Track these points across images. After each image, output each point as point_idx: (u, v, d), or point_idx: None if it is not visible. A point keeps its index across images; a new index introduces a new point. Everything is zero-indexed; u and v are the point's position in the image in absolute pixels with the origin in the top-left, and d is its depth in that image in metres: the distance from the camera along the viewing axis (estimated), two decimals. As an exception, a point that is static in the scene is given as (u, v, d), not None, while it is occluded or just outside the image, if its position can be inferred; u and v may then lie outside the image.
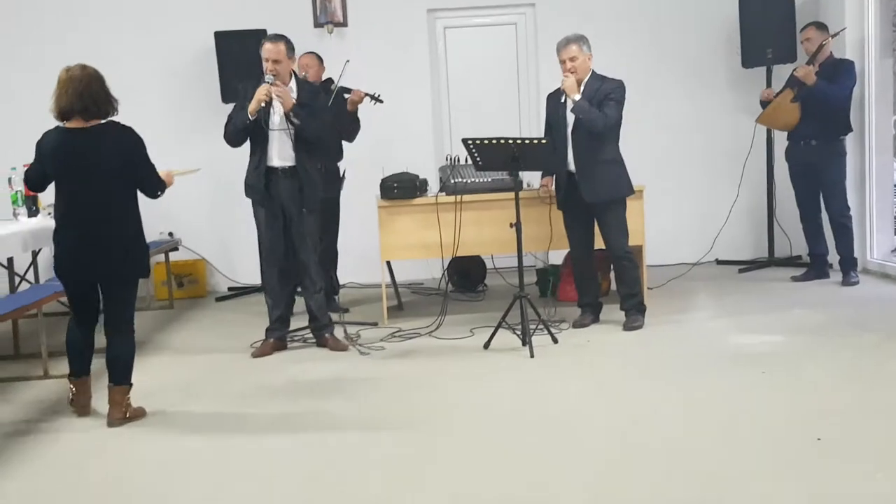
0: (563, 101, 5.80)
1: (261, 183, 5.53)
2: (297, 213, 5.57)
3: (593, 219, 5.90)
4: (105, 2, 7.89)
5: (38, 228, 6.01)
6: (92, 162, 4.33)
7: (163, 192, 4.65)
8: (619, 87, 5.72)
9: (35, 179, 4.57)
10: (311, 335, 5.84)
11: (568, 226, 6.00)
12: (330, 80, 6.44)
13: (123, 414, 4.45)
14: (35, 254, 6.86)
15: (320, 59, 6.72)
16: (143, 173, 4.50)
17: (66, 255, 4.41)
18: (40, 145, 4.45)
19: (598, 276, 6.30)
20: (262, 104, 5.36)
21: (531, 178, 6.62)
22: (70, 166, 4.35)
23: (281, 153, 5.51)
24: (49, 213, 6.36)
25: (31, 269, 6.96)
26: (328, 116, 5.61)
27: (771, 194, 7.91)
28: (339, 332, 5.83)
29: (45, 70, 7.61)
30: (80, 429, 4.43)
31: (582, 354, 5.37)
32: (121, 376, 4.48)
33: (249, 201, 7.72)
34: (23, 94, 7.74)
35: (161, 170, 4.64)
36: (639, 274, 6.02)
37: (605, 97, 5.67)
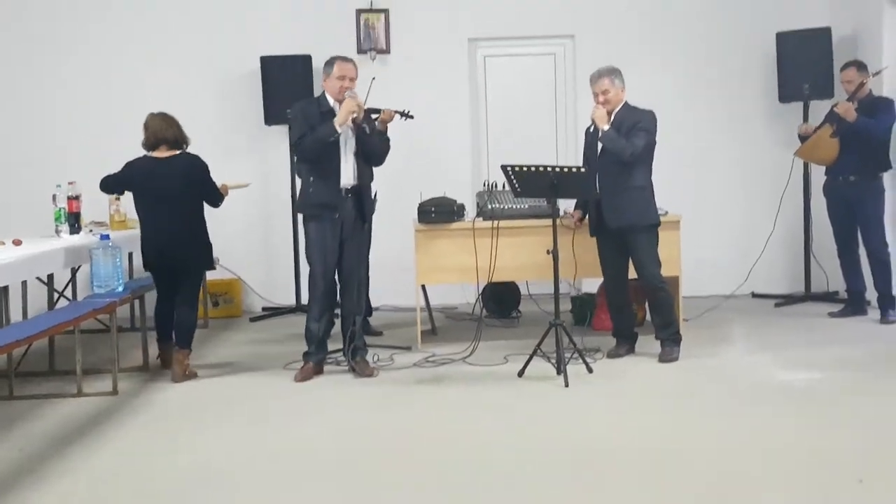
0: (592, 130, 5.89)
1: (337, 200, 5.54)
2: (357, 229, 5.64)
3: (626, 248, 5.90)
4: (156, 28, 8.02)
5: (79, 246, 6.02)
6: (171, 183, 5.60)
7: (221, 202, 5.93)
8: (647, 116, 5.77)
9: (113, 186, 5.87)
10: (342, 358, 5.79)
11: (601, 254, 6.01)
12: None
13: (184, 371, 5.61)
14: (74, 271, 6.90)
15: None
16: (208, 190, 5.80)
17: (152, 252, 5.72)
18: (132, 166, 5.73)
19: (632, 305, 6.28)
20: (353, 116, 5.44)
21: (568, 206, 6.63)
22: (155, 186, 5.62)
23: (348, 172, 5.59)
24: (90, 231, 6.47)
25: (70, 285, 7.00)
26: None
27: (808, 228, 7.86)
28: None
29: (87, 95, 7.83)
30: (112, 442, 4.48)
31: (617, 385, 5.34)
32: (185, 340, 5.68)
33: (285, 222, 7.85)
34: (64, 116, 7.87)
35: (218, 183, 5.84)
36: (673, 303, 6.00)
37: (634, 125, 5.71)
